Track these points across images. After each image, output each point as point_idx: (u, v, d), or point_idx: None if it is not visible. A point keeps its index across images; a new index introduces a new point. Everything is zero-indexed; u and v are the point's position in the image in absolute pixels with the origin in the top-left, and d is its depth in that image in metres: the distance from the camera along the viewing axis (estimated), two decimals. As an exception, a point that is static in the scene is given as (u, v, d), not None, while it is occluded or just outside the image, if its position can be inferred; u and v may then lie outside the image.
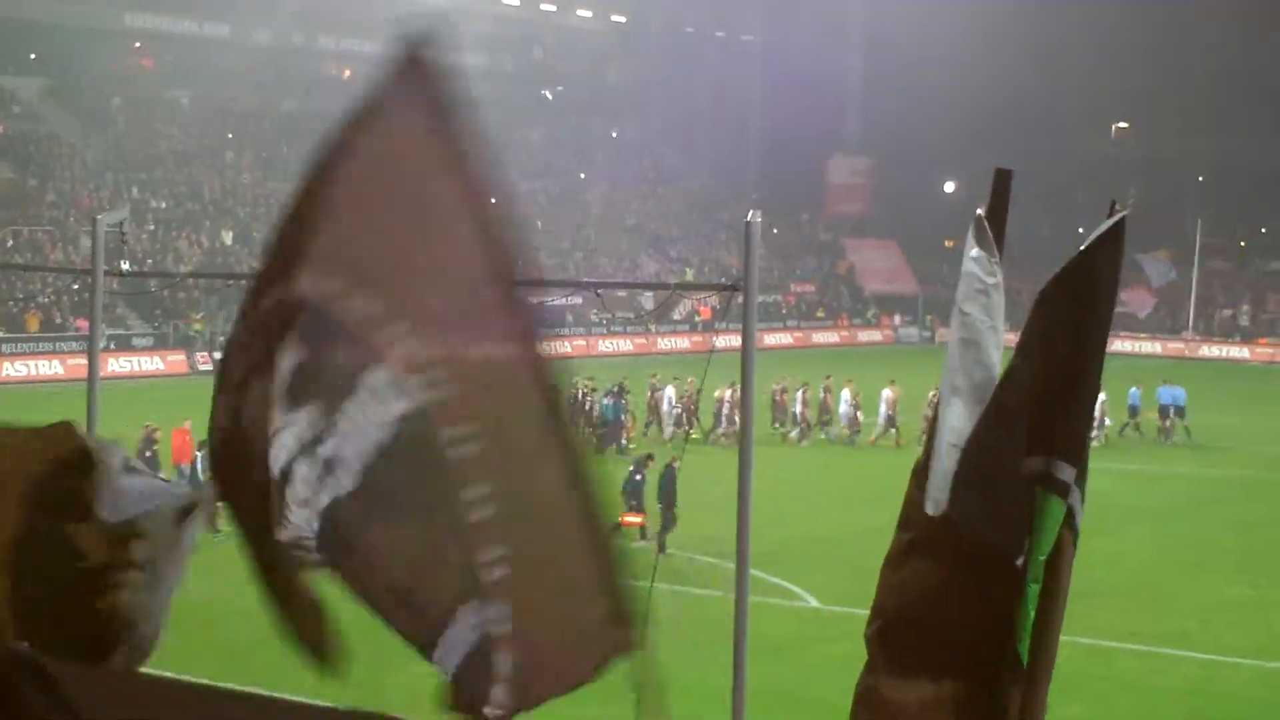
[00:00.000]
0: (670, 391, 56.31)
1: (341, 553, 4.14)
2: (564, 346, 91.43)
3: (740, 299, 12.04)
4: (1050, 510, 4.67)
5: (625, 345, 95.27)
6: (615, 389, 55.11)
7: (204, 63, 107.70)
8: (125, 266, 21.54)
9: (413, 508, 4.06)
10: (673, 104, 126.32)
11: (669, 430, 55.22)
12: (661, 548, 35.35)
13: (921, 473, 4.79)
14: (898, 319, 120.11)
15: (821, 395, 58.32)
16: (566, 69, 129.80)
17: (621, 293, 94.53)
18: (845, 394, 57.83)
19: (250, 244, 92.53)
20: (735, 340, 12.06)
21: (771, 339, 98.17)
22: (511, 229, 4.15)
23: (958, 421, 4.76)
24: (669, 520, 36.60)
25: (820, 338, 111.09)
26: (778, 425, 58.07)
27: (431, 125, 4.10)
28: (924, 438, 5.03)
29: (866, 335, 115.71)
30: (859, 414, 57.27)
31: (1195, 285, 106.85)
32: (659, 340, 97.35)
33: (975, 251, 5.06)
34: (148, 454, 39.42)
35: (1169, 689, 26.37)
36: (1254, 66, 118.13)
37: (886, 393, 56.81)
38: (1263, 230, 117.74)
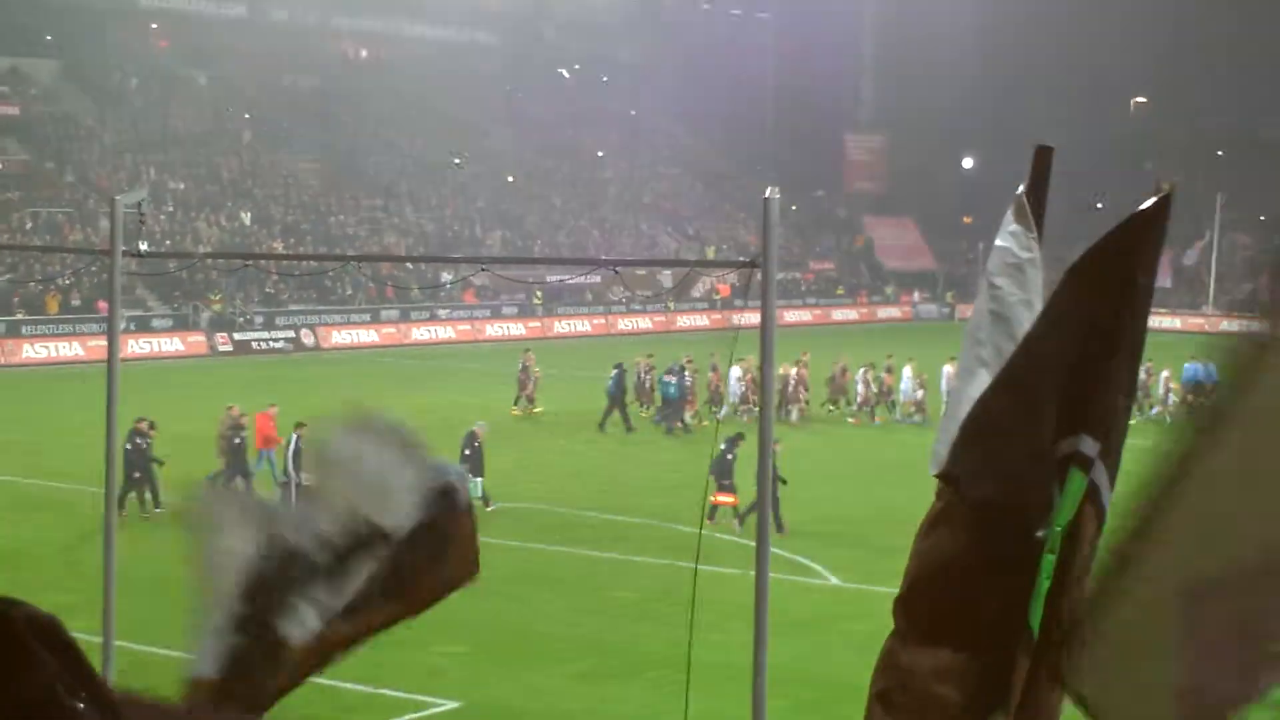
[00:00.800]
0: (736, 370, 56.09)
1: None
2: (582, 325, 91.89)
3: (759, 276, 12.02)
4: (1071, 483, 4.65)
5: (645, 323, 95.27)
6: (677, 367, 55.16)
7: (221, 43, 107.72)
8: (143, 247, 21.53)
9: None
10: (689, 82, 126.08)
11: (724, 409, 55.08)
12: (741, 521, 36.11)
13: None
14: (917, 295, 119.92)
15: (883, 375, 58.08)
16: (581, 48, 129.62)
17: (641, 271, 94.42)
18: (907, 371, 57.48)
19: (268, 224, 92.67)
20: (755, 318, 12.02)
21: (791, 316, 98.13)
22: None
23: (979, 394, 4.76)
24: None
25: (839, 315, 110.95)
26: (833, 406, 58.19)
27: None
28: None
29: (885, 312, 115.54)
30: (922, 392, 56.93)
31: (1215, 261, 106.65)
32: (678, 318, 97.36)
33: (1013, 226, 5.03)
34: (236, 440, 39.28)
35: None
36: (1274, 40, 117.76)
37: (948, 369, 56.27)
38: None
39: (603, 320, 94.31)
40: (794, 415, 55.38)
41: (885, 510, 37.12)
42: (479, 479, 37.70)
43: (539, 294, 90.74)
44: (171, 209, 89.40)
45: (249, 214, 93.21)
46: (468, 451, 38.11)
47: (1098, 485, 4.71)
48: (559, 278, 72.44)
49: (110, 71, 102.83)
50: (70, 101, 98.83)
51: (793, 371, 55.72)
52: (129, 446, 36.00)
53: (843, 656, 26.55)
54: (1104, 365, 4.65)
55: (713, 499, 36.45)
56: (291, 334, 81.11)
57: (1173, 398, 55.58)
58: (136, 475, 36.57)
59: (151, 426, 37.46)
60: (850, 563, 33.73)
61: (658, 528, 36.52)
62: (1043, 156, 5.19)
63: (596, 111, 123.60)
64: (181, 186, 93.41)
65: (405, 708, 23.89)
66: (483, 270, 69.15)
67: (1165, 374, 56.69)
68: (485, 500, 37.21)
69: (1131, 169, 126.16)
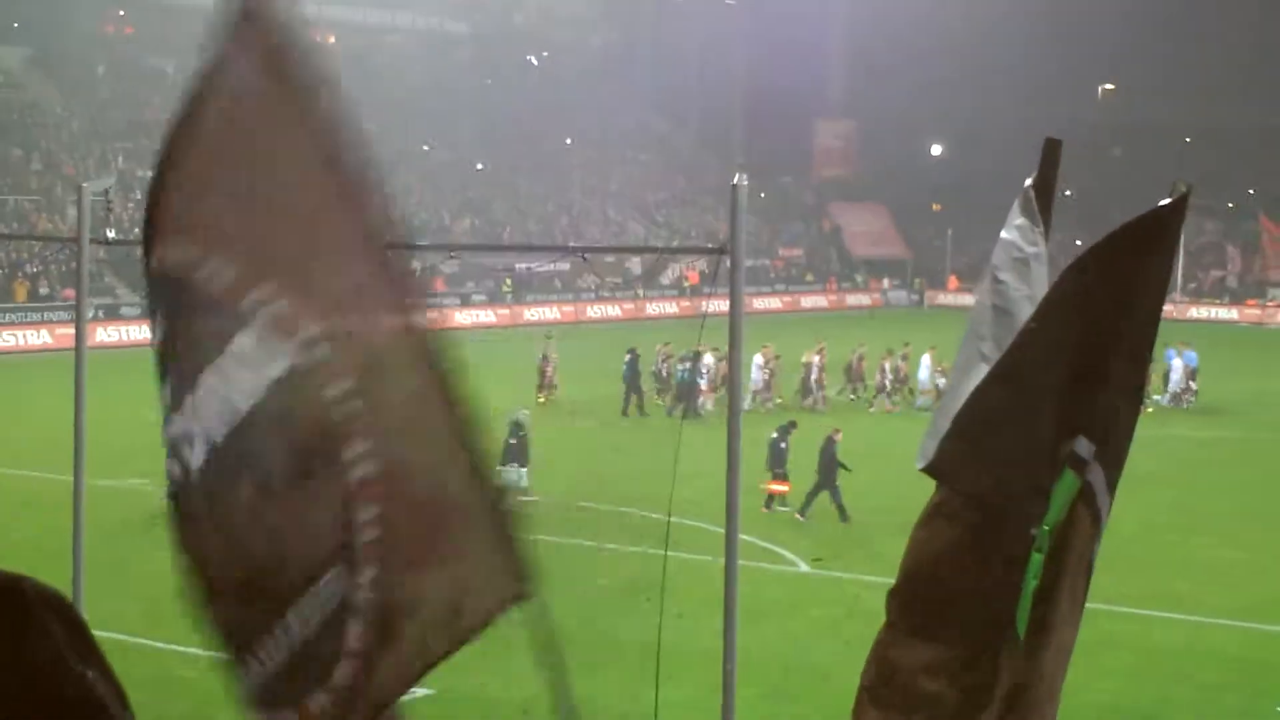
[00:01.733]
0: (758, 358, 55.98)
1: (195, 521, 4.05)
2: (551, 312, 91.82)
3: (728, 263, 12.03)
4: (1063, 482, 4.62)
5: (614, 310, 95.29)
6: (692, 354, 55.13)
7: (187, 30, 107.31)
8: (111, 235, 21.45)
9: (285, 470, 3.93)
10: (657, 68, 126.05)
11: (747, 400, 55.14)
12: (806, 508, 36.58)
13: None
14: (886, 282, 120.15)
15: (900, 362, 57.99)
16: (550, 34, 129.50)
17: (609, 258, 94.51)
18: (926, 359, 57.25)
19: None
20: (724, 305, 12.03)
21: (760, 303, 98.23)
22: (376, 187, 3.95)
23: None
24: (825, 486, 36.77)
25: (809, 301, 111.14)
26: (853, 395, 58.12)
27: (271, 76, 3.93)
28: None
29: (855, 299, 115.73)
30: (942, 380, 56.81)
31: (1183, 247, 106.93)
32: (647, 305, 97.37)
33: (1019, 220, 4.96)
34: None
35: (1158, 649, 26.48)
36: (1240, 27, 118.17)
37: (926, 358, 56.52)
38: (1250, 192, 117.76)
39: (571, 307, 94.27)
40: (819, 403, 55.44)
41: (860, 498, 37.25)
42: (524, 468, 37.89)
43: (508, 281, 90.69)
44: (139, 196, 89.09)
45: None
46: (513, 441, 38.08)
47: (1092, 487, 4.67)
48: (527, 265, 72.40)
49: (77, 59, 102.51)
50: (37, 89, 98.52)
51: (815, 360, 56.03)
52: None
53: (812, 643, 26.66)
54: (1104, 364, 4.60)
55: (766, 487, 37.08)
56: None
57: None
58: None
59: None
60: (819, 549, 33.80)
61: (631, 515, 36.55)
62: (1052, 150, 5.12)
63: (565, 98, 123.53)
64: (149, 174, 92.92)
65: (375, 695, 23.81)
66: (451, 258, 69.07)
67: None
68: (525, 492, 37.21)
69: (1100, 156, 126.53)
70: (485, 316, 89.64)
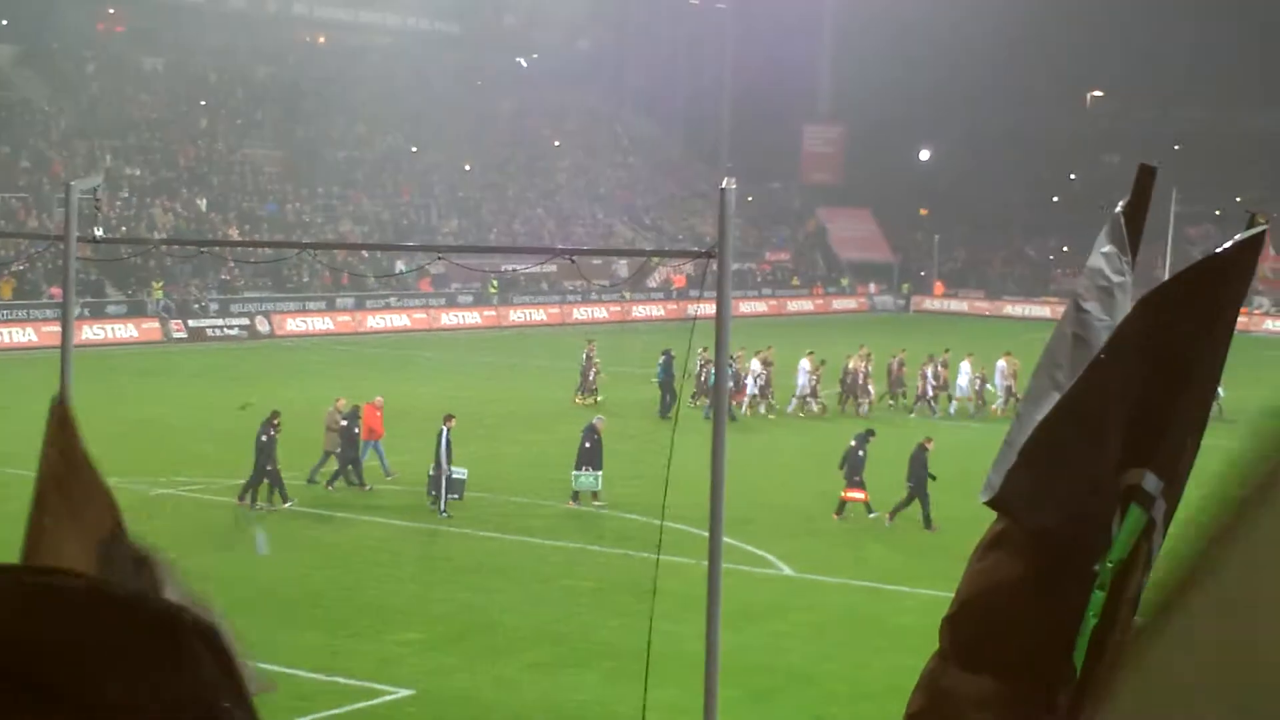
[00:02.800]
0: (805, 363, 55.85)
1: None
2: (538, 314, 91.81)
3: (715, 266, 12.05)
4: (1129, 518, 4.59)
5: (600, 313, 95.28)
6: (731, 359, 54.98)
7: (177, 29, 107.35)
8: (98, 233, 21.44)
9: None
10: (646, 71, 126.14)
11: (792, 402, 55.07)
12: (890, 515, 36.87)
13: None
14: (873, 287, 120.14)
15: (939, 368, 57.70)
16: (539, 36, 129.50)
17: (596, 260, 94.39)
18: (965, 366, 57.17)
19: (224, 211, 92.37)
20: (710, 308, 12.06)
21: (746, 307, 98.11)
22: None
23: None
24: (917, 494, 36.93)
25: (795, 305, 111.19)
26: (892, 400, 57.81)
27: None
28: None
29: (841, 303, 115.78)
30: (986, 386, 56.74)
31: (1170, 255, 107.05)
32: (634, 308, 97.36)
33: (1107, 247, 4.91)
34: (354, 430, 39.59)
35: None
36: (1229, 35, 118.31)
37: (1001, 364, 56.16)
38: (1238, 199, 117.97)
39: (558, 310, 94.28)
40: (863, 408, 55.47)
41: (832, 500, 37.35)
42: (597, 472, 37.98)
43: (495, 283, 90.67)
44: (127, 195, 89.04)
45: (205, 200, 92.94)
46: (588, 445, 38.27)
47: (1155, 523, 4.65)
48: (514, 267, 72.39)
49: (66, 57, 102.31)
50: (26, 86, 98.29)
51: (861, 366, 56.13)
52: (263, 438, 36.78)
53: (793, 646, 26.70)
54: (1175, 400, 4.57)
55: (843, 495, 37.45)
56: (246, 321, 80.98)
57: None
58: (269, 468, 36.93)
59: (275, 417, 37.54)
60: (801, 553, 33.84)
61: (615, 517, 36.60)
62: (1146, 176, 5.01)
63: (554, 101, 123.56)
64: (137, 172, 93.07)
65: (359, 695, 23.87)
66: (439, 259, 68.98)
67: None
68: (595, 495, 37.78)
69: (1091, 162, 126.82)
70: (471, 318, 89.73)
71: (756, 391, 55.40)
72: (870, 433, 39.11)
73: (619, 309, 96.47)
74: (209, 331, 78.76)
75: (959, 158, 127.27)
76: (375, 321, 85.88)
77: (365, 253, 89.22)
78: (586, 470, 37.94)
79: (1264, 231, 4.52)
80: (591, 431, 38.70)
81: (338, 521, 36.53)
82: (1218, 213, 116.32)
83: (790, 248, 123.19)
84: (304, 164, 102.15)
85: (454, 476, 36.92)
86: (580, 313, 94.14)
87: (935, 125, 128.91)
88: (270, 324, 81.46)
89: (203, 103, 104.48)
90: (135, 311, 78.54)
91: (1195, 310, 4.51)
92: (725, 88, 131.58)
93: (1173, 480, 4.61)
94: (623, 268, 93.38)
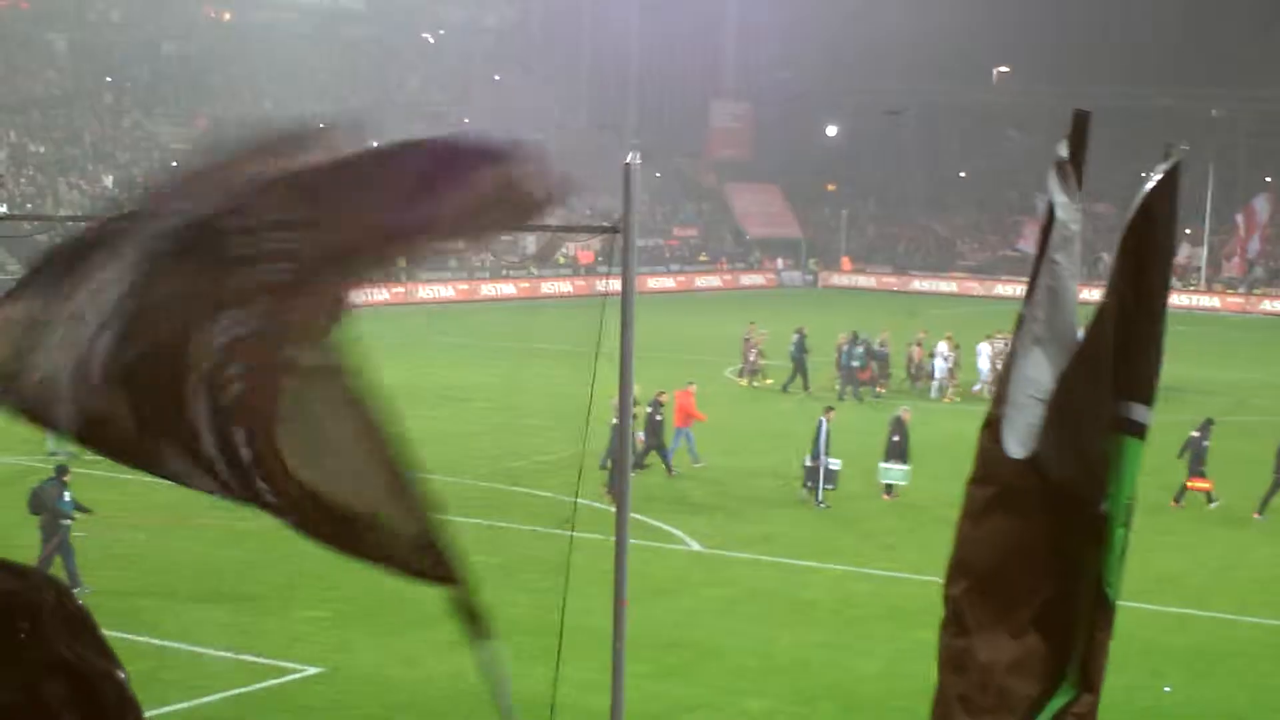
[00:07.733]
0: (984, 346, 55.79)
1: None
2: (446, 290, 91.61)
3: (621, 242, 12.04)
4: (1129, 452, 4.62)
5: (508, 289, 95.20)
6: (859, 337, 55.02)
7: (81, 4, 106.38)
8: (2, 210, 21.31)
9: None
10: (552, 47, 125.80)
11: (979, 387, 54.90)
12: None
13: (995, 426, 4.75)
14: (780, 262, 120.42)
15: (914, 349, 57.54)
16: (446, 12, 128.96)
17: (504, 236, 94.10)
18: (942, 347, 56.83)
19: (130, 188, 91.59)
20: (618, 284, 12.05)
21: (654, 283, 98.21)
22: None
23: (1036, 373, 4.71)
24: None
25: (703, 281, 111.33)
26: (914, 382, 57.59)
27: None
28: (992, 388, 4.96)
29: (749, 279, 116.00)
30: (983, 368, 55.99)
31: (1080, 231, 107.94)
32: (542, 284, 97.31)
33: (1062, 198, 4.95)
34: (658, 417, 39.63)
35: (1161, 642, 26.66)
36: (1138, 12, 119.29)
37: (984, 346, 55.93)
38: (1143, 175, 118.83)
39: (466, 285, 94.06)
40: (933, 390, 55.67)
41: (747, 474, 37.43)
42: (905, 466, 37.92)
43: (401, 259, 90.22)
44: (31, 172, 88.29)
45: (111, 177, 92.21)
46: (895, 438, 38.08)
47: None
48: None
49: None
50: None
51: (916, 350, 56.81)
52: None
53: (702, 621, 26.77)
54: (1138, 332, 4.65)
55: (1188, 483, 37.53)
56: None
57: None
58: None
59: None
60: (708, 528, 33.91)
61: (525, 495, 36.61)
62: (1081, 120, 5.12)
63: (461, 76, 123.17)
64: (42, 149, 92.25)
65: (268, 673, 23.77)
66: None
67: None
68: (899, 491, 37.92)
69: (996, 137, 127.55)
70: (379, 294, 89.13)
71: (945, 374, 55.85)
72: (1210, 421, 39.05)
73: (528, 285, 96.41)
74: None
75: (866, 134, 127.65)
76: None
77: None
78: (894, 463, 37.86)
79: (1179, 163, 4.68)
80: (899, 424, 38.31)
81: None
82: (1126, 188, 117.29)
83: (698, 224, 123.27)
84: (211, 139, 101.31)
85: (829, 468, 36.91)
86: (488, 289, 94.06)
87: (842, 101, 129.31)
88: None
89: (108, 79, 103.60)
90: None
91: (1149, 246, 4.65)
92: (632, 63, 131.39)
93: (1152, 405, 4.69)
94: (531, 244, 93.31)
